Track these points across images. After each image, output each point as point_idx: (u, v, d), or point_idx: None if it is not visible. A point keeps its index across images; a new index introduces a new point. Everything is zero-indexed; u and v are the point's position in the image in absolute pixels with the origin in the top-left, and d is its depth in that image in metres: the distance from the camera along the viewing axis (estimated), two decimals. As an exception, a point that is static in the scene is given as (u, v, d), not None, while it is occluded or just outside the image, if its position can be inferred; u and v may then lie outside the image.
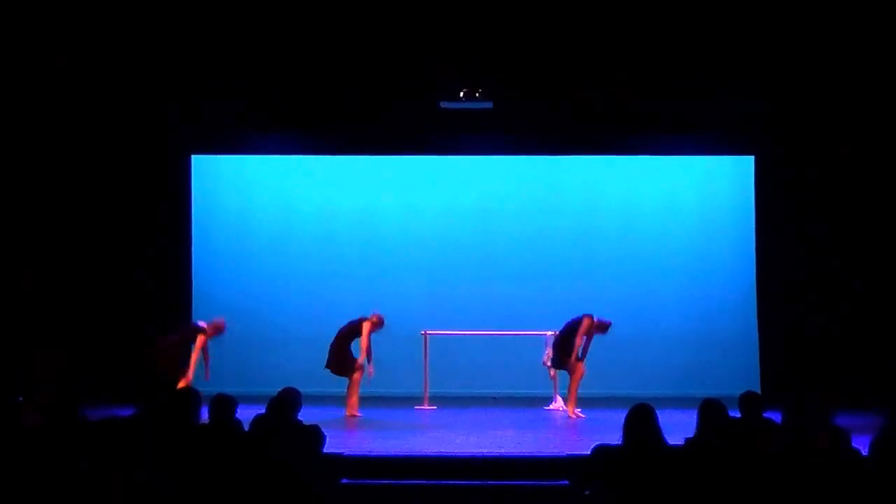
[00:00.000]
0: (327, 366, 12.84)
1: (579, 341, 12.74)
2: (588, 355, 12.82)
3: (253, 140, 14.18)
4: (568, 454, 9.71)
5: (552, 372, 13.55)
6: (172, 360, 12.21)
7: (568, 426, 12.27)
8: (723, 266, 14.95)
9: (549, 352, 13.49)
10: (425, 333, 13.90)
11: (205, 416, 7.29)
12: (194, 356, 12.25)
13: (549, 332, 13.60)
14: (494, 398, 14.25)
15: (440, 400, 13.70)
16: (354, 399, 12.76)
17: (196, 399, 7.29)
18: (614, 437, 6.75)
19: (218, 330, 12.57)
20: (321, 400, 12.47)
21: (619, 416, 6.74)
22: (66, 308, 13.52)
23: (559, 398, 13.47)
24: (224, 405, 7.19)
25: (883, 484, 6.13)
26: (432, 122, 13.57)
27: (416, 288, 15.02)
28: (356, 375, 12.76)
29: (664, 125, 13.64)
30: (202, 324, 12.49)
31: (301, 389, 7.55)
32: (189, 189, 14.25)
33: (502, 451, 10.19)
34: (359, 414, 12.70)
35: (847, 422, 7.11)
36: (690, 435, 7.00)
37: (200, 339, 12.30)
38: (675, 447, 6.75)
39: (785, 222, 13.85)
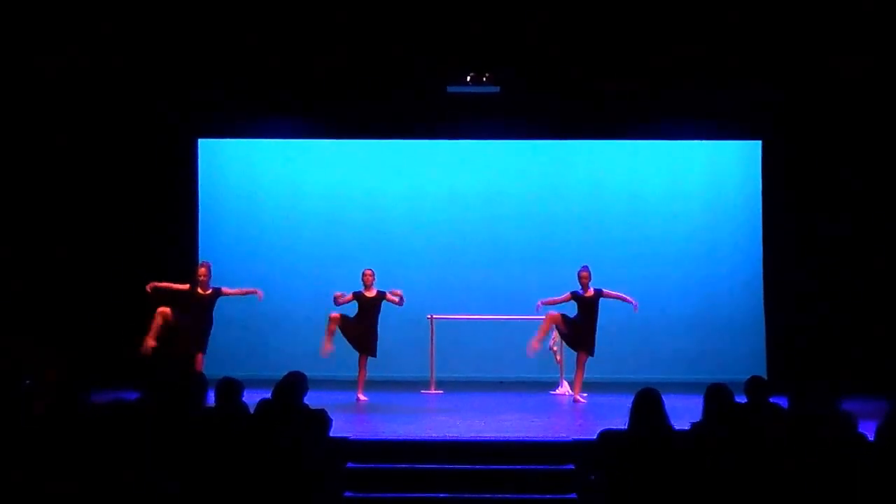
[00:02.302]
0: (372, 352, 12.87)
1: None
2: (596, 340, 12.81)
3: (259, 124, 14.17)
4: (574, 439, 9.71)
5: (558, 356, 13.57)
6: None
7: (574, 410, 12.28)
8: (729, 251, 14.95)
9: (555, 336, 13.49)
10: (431, 318, 13.92)
11: (211, 399, 7.30)
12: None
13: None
14: (501, 382, 14.25)
15: (446, 384, 13.72)
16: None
17: (202, 383, 7.30)
18: (620, 422, 6.75)
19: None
20: (327, 384, 12.50)
21: (626, 401, 6.74)
22: (72, 293, 13.53)
23: (565, 383, 13.48)
24: (230, 389, 7.20)
25: (889, 469, 6.13)
26: (439, 107, 13.55)
27: (423, 272, 15.03)
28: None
29: (671, 110, 13.61)
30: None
31: (307, 373, 7.56)
32: (195, 173, 14.24)
33: (508, 435, 10.19)
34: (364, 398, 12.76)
35: (853, 407, 7.10)
36: (697, 420, 7.00)
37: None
38: (682, 432, 6.75)
39: (792, 207, 13.81)
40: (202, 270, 12.40)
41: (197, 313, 12.28)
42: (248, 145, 15.14)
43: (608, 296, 12.74)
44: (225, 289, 12.44)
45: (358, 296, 12.82)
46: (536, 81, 13.18)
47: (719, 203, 15.05)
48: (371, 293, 12.85)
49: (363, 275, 12.85)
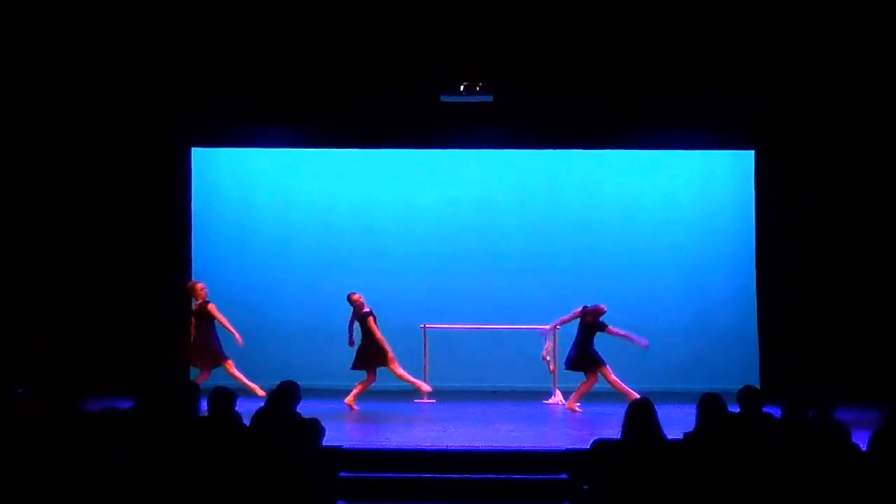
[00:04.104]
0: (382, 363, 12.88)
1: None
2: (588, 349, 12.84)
3: (253, 133, 14.15)
4: (567, 448, 9.71)
5: (551, 366, 13.56)
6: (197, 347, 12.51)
7: (567, 420, 12.28)
8: (722, 260, 14.94)
9: (548, 346, 13.51)
10: (424, 327, 13.91)
11: (204, 408, 7.29)
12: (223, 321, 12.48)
13: (548, 326, 13.60)
14: (493, 392, 14.23)
15: (439, 393, 13.69)
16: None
17: (195, 392, 7.30)
18: (614, 432, 6.75)
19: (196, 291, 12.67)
20: (320, 393, 12.49)
21: (619, 411, 6.74)
22: (65, 301, 13.50)
23: (558, 392, 13.48)
24: (223, 398, 7.19)
25: (882, 478, 6.13)
26: (432, 116, 13.55)
27: (416, 281, 15.00)
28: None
29: (664, 119, 13.61)
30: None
31: (300, 382, 7.56)
32: (189, 181, 14.22)
33: (501, 444, 10.19)
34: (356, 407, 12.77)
35: (846, 416, 7.11)
36: (689, 429, 7.00)
37: (211, 308, 12.47)
38: (674, 441, 6.75)
39: (785, 216, 13.82)
40: (202, 287, 12.52)
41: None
42: (242, 154, 15.11)
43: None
44: (211, 305, 12.53)
45: (360, 317, 12.87)
46: (530, 91, 13.19)
47: (712, 212, 15.04)
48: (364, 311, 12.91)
49: (355, 300, 12.91)
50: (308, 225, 15.24)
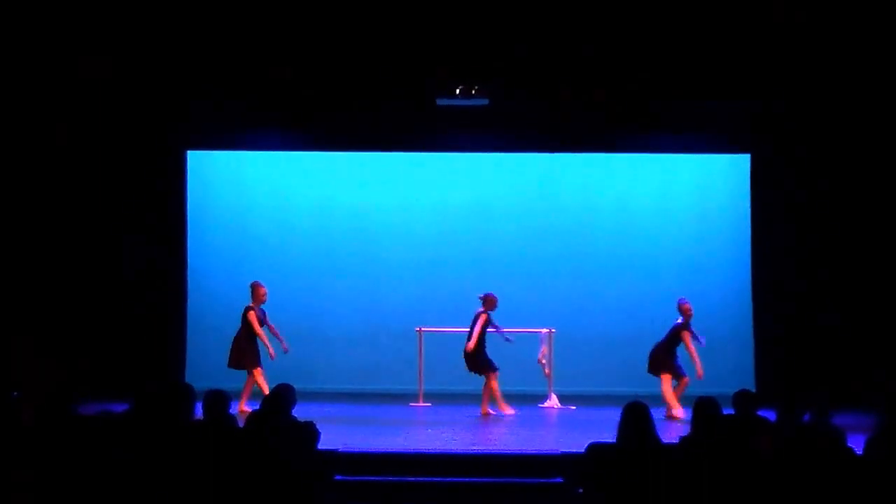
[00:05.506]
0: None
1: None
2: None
3: (248, 136, 14.17)
4: (562, 452, 9.71)
5: (547, 369, 13.55)
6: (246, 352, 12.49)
7: (562, 423, 12.25)
8: (718, 264, 14.96)
9: (543, 349, 13.49)
10: (420, 330, 13.90)
11: (199, 411, 7.28)
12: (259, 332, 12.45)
13: (544, 330, 13.59)
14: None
15: (434, 397, 13.70)
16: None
17: (190, 395, 7.28)
18: (609, 436, 6.74)
19: (258, 297, 12.63)
20: (317, 396, 12.47)
21: (614, 414, 6.74)
22: (60, 305, 13.49)
23: (554, 396, 13.47)
24: (218, 401, 7.17)
25: (877, 483, 6.13)
26: (428, 119, 13.56)
27: (411, 284, 15.00)
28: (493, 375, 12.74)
29: (660, 123, 13.63)
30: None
31: (295, 386, 7.54)
32: (184, 185, 14.22)
33: (497, 448, 10.18)
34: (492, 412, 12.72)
35: (842, 421, 7.11)
36: (685, 433, 7.00)
37: (250, 315, 12.47)
38: (670, 445, 6.75)
39: (780, 220, 13.84)
40: (264, 293, 12.61)
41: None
42: (238, 157, 15.12)
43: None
44: (251, 314, 12.58)
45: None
46: (525, 94, 13.20)
47: (708, 216, 15.07)
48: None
49: (489, 299, 12.89)
50: (304, 228, 15.25)
